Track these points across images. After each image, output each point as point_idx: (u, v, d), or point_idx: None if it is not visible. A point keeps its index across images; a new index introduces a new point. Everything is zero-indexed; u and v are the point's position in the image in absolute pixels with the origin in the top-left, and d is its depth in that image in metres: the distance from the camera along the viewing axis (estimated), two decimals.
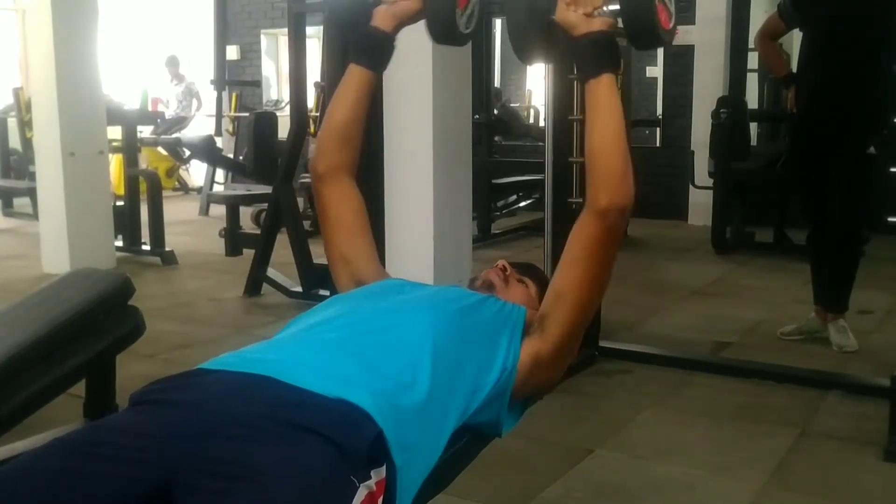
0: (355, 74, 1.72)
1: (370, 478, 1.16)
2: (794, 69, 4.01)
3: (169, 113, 10.11)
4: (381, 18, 1.70)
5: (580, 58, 1.55)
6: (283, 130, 5.49)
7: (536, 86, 10.77)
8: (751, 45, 7.13)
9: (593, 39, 1.49)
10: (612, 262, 1.51)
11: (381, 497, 1.19)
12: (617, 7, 1.51)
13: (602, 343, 3.73)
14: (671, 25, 1.52)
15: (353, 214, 1.76)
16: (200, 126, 10.04)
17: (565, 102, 3.61)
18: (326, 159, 1.74)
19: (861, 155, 3.72)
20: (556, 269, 1.54)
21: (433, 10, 1.66)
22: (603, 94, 1.49)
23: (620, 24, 1.51)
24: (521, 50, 1.61)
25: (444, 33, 1.69)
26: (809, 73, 3.84)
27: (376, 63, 1.73)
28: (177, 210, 8.22)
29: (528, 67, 11.30)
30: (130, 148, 6.50)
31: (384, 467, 1.19)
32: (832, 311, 3.89)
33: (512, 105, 10.49)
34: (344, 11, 1.72)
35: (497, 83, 9.61)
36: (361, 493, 1.13)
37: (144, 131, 8.48)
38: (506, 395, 1.48)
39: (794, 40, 4.53)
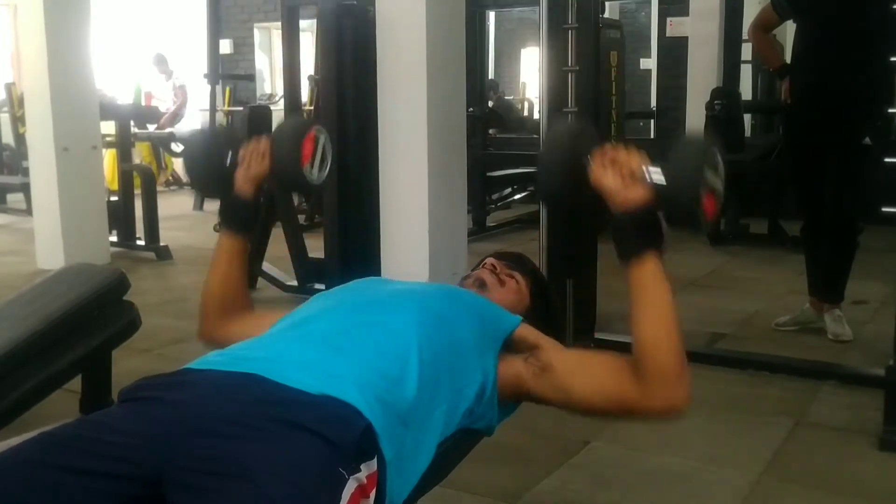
0: (225, 244, 1.74)
1: (360, 471, 1.16)
2: (788, 60, 4.01)
3: (163, 108, 10.07)
4: (241, 183, 1.71)
5: (619, 235, 1.39)
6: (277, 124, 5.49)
7: (531, 78, 10.77)
8: (745, 36, 7.14)
9: (635, 217, 1.36)
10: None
11: (374, 491, 1.19)
12: (659, 173, 1.38)
13: (598, 335, 3.73)
14: (714, 214, 1.39)
15: (259, 329, 1.59)
16: (194, 121, 10.01)
17: (560, 95, 3.61)
18: (210, 326, 1.75)
19: (856, 146, 3.72)
20: (576, 356, 1.48)
21: (279, 172, 1.69)
22: (649, 280, 1.37)
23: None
24: (552, 199, 1.55)
25: (294, 187, 1.77)
26: (803, 65, 3.84)
27: (244, 227, 1.76)
28: (171, 205, 8.20)
29: (522, 60, 11.30)
30: (124, 143, 6.48)
31: (374, 460, 1.19)
32: (828, 301, 3.90)
33: (506, 97, 10.49)
34: (205, 181, 1.77)
35: (491, 76, 9.60)
36: (351, 486, 1.14)
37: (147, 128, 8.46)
38: (494, 396, 1.47)
39: (788, 31, 4.52)
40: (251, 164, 1.70)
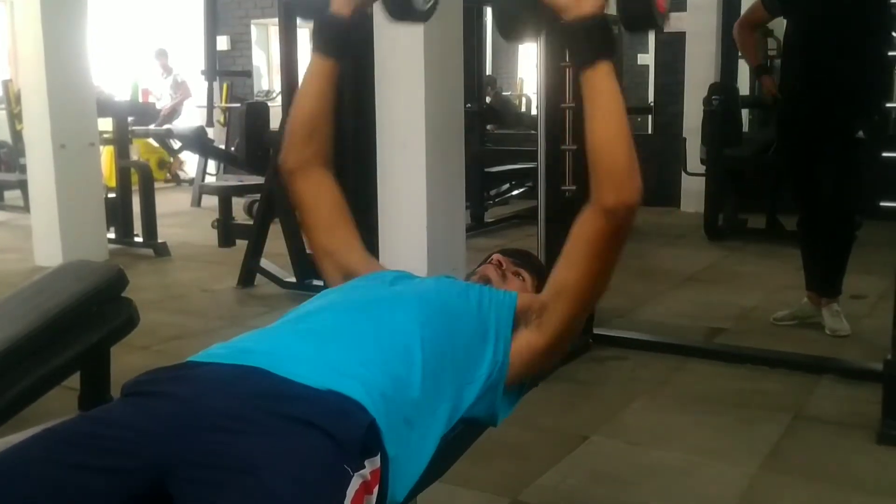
0: (318, 64, 1.68)
1: (364, 467, 1.16)
2: (779, 54, 4.01)
3: (161, 105, 10.07)
4: (338, 3, 1.65)
5: (572, 45, 1.44)
6: (275, 121, 5.48)
7: (528, 74, 10.77)
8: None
9: (586, 25, 1.39)
10: (617, 259, 1.47)
11: (377, 487, 1.19)
12: None
13: (596, 330, 3.74)
14: (667, 8, 1.45)
15: (329, 206, 1.73)
16: (191, 117, 10.00)
17: (557, 90, 3.60)
18: (295, 154, 1.71)
19: (851, 140, 3.72)
20: (558, 263, 1.51)
21: None
22: (601, 83, 1.40)
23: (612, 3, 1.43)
24: (505, 27, 1.55)
25: (400, 10, 1.66)
26: (796, 59, 3.83)
27: (338, 51, 1.69)
28: (169, 201, 8.20)
29: (520, 56, 11.29)
30: (122, 140, 6.47)
31: (378, 457, 1.19)
32: (826, 295, 3.90)
33: (504, 93, 10.49)
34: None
35: (489, 71, 9.60)
36: (356, 483, 1.13)
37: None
38: (499, 386, 1.48)
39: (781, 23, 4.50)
40: None
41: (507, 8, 1.53)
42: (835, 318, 3.85)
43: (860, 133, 3.73)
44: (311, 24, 1.73)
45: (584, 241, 1.45)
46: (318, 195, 1.72)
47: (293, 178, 1.72)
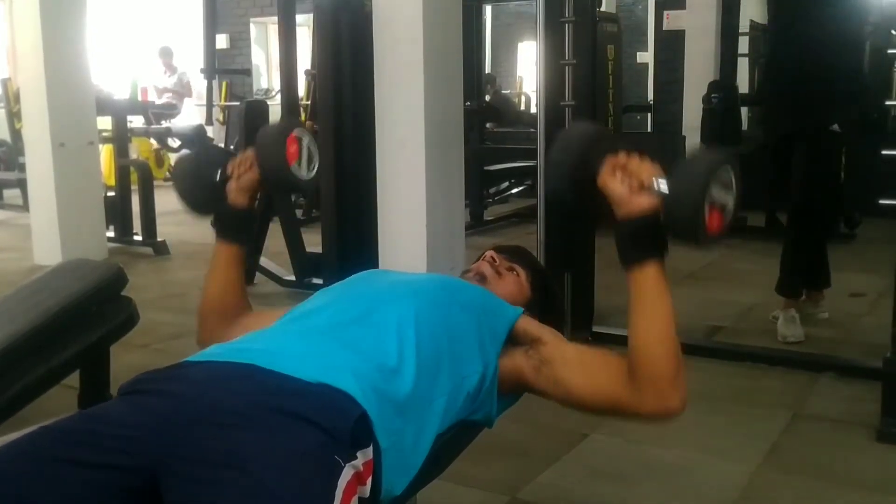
0: (222, 252, 1.75)
1: (356, 458, 1.17)
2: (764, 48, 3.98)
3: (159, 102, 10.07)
4: (234, 195, 1.72)
5: (622, 241, 1.39)
6: (274, 119, 5.48)
7: (528, 72, 10.76)
8: (742, 29, 7.15)
9: (638, 224, 1.36)
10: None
11: (370, 479, 1.20)
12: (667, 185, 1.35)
13: (596, 328, 3.74)
14: (719, 231, 1.37)
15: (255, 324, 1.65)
16: (191, 115, 10.00)
17: (557, 88, 3.60)
18: (210, 333, 1.74)
19: (825, 132, 3.64)
20: (575, 357, 1.46)
21: (268, 176, 1.70)
22: (649, 285, 1.37)
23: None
24: (556, 201, 1.55)
25: (287, 188, 1.87)
26: (778, 52, 3.78)
27: (241, 237, 1.77)
28: (168, 200, 8.13)
29: (519, 54, 11.29)
30: (121, 138, 6.47)
31: (370, 448, 1.20)
32: (784, 294, 3.80)
33: (503, 92, 10.48)
34: (194, 199, 1.78)
35: (488, 70, 9.59)
36: (347, 473, 1.14)
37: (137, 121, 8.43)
38: (493, 396, 1.48)
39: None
40: (241, 175, 1.71)
41: (560, 185, 1.49)
42: (788, 323, 3.72)
43: (835, 126, 3.65)
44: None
45: (606, 405, 1.42)
46: (245, 332, 1.60)
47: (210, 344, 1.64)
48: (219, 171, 1.74)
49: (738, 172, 1.40)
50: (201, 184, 1.75)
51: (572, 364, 1.45)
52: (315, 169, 1.74)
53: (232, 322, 1.72)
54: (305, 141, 1.71)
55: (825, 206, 3.77)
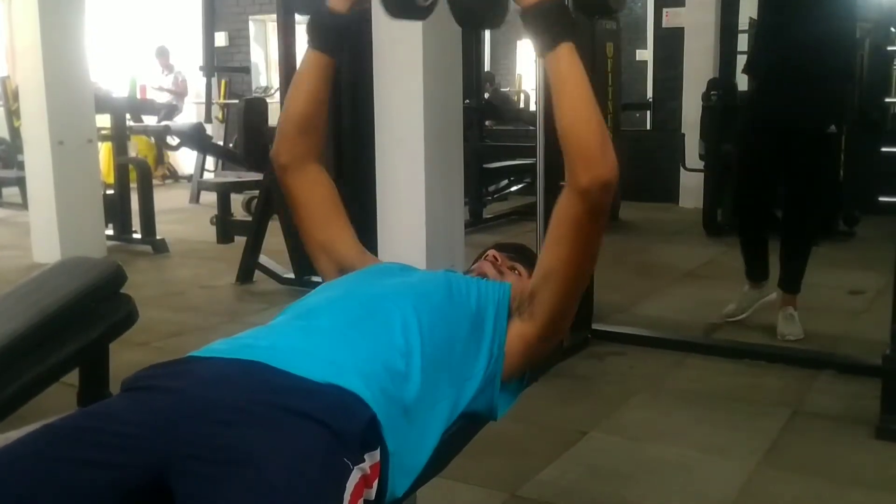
0: (312, 60, 1.66)
1: (364, 461, 1.16)
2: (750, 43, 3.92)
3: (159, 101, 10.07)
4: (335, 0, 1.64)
5: (532, 31, 1.42)
6: (273, 117, 5.47)
7: (527, 70, 10.76)
8: (741, 27, 7.14)
9: (543, 10, 1.38)
10: (599, 238, 1.46)
11: (377, 482, 1.19)
12: None
13: (595, 326, 3.74)
14: None
15: (322, 201, 1.72)
16: (190, 114, 10.00)
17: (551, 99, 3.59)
18: (289, 150, 1.69)
19: (820, 133, 3.61)
20: (542, 248, 1.51)
21: None
22: (564, 65, 1.39)
23: None
24: (462, 16, 1.52)
25: (399, 7, 1.60)
26: (767, 45, 3.72)
27: (333, 47, 1.66)
28: (167, 198, 8.19)
29: (518, 51, 11.28)
30: (120, 136, 6.46)
31: (378, 451, 1.19)
32: (789, 291, 3.79)
33: (502, 89, 10.48)
34: None
35: (487, 67, 9.59)
36: (355, 476, 1.13)
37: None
38: (496, 379, 1.48)
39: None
40: None
41: None
42: (787, 321, 3.72)
43: (832, 127, 3.62)
44: (306, 19, 1.71)
45: (565, 223, 1.44)
46: (312, 189, 1.71)
47: (286, 174, 1.71)
48: None
49: None
50: None
51: (540, 261, 1.51)
52: (430, 3, 1.60)
53: (309, 142, 1.69)
54: None
55: (822, 208, 3.79)
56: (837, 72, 3.67)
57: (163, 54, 10.17)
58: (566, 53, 1.39)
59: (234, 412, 1.15)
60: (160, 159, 10.16)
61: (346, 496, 1.11)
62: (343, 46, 1.68)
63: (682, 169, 7.20)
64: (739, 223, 4.03)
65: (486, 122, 8.10)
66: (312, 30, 1.65)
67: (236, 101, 7.92)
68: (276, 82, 9.10)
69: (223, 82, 9.44)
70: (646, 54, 8.85)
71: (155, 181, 9.40)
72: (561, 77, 1.40)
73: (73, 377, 2.49)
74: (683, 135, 7.15)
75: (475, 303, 1.51)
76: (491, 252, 1.78)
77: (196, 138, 7.19)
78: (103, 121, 6.43)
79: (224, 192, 5.56)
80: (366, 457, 1.16)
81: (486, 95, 8.53)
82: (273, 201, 4.92)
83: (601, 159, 1.37)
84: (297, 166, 1.70)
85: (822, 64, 3.55)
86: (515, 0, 1.41)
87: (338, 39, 1.66)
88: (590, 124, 1.38)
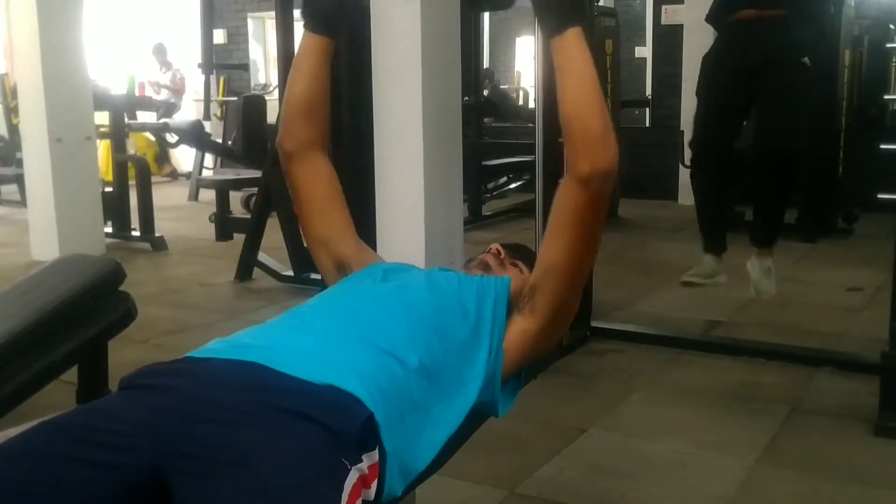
0: (312, 43, 1.63)
1: (362, 461, 1.16)
2: None
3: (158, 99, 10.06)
4: None
5: (541, 13, 1.40)
6: (272, 114, 5.47)
7: (526, 67, 10.74)
8: None
9: None
10: (599, 229, 1.45)
11: (375, 482, 1.19)
12: None
13: (594, 323, 3.74)
14: None
15: (325, 192, 1.70)
16: (188, 111, 9.98)
17: (555, 84, 3.59)
18: (294, 135, 1.66)
19: (796, 64, 3.38)
20: (543, 242, 1.50)
21: None
22: (571, 50, 1.38)
23: None
24: None
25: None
26: None
27: (332, 28, 1.63)
28: (166, 195, 8.19)
29: (517, 49, 11.27)
30: (118, 133, 6.46)
31: (376, 451, 1.19)
32: (763, 244, 3.60)
33: (502, 87, 10.47)
34: None
35: (486, 64, 9.58)
36: (353, 476, 1.13)
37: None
38: (497, 376, 1.47)
39: None
40: None
41: None
42: (766, 275, 3.52)
43: (806, 59, 3.41)
44: (301, 3, 1.67)
45: (565, 213, 1.43)
46: (315, 181, 1.70)
47: (291, 161, 1.68)
48: None
49: None
50: None
51: (541, 255, 1.49)
52: None
53: (314, 126, 1.67)
54: None
55: (798, 141, 3.45)
56: (800, 12, 3.47)
57: (160, 51, 10.16)
58: (574, 38, 1.38)
59: (231, 412, 1.15)
60: (164, 157, 10.15)
61: (344, 497, 1.11)
62: (342, 28, 1.67)
63: (680, 166, 7.20)
64: (694, 164, 3.73)
65: (485, 120, 8.09)
66: (309, 13, 1.63)
67: (235, 98, 7.91)
68: (274, 79, 9.09)
69: (222, 79, 9.42)
70: (645, 51, 8.85)
71: (160, 178, 9.43)
72: (567, 61, 1.38)
73: (72, 375, 2.49)
74: (682, 132, 7.13)
75: (474, 300, 1.51)
76: (494, 246, 1.78)
77: (195, 136, 7.17)
78: (102, 118, 6.43)
79: (223, 189, 5.56)
80: (364, 457, 1.16)
81: (486, 92, 8.53)
82: (272, 198, 4.92)
83: (603, 148, 1.37)
84: (302, 155, 1.67)
85: (786, 4, 3.39)
86: None
87: (336, 20, 1.64)
88: (593, 110, 1.37)
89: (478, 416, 1.52)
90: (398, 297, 1.48)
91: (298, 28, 5.32)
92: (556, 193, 1.45)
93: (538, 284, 1.50)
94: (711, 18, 3.78)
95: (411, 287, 1.54)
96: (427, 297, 1.49)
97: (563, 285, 1.48)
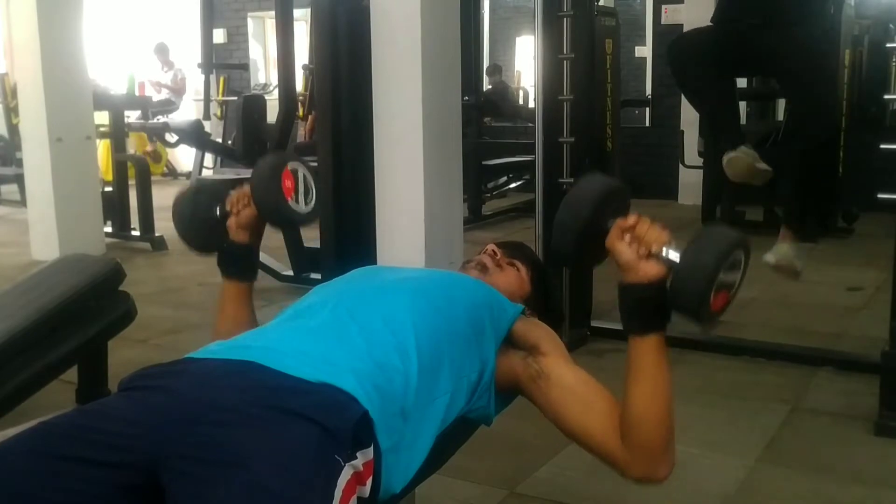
0: (230, 290, 1.72)
1: (356, 458, 1.17)
2: None
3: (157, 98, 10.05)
4: (235, 232, 1.69)
5: (626, 307, 1.36)
6: (272, 114, 5.46)
7: (526, 66, 10.74)
8: None
9: (643, 293, 1.31)
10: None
11: (370, 479, 1.19)
12: (677, 256, 1.29)
13: (594, 323, 3.74)
14: (721, 310, 1.30)
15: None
16: (188, 110, 9.98)
17: (556, 83, 3.60)
18: None
19: (815, 29, 3.20)
20: (572, 382, 1.45)
21: (266, 213, 1.67)
22: (650, 356, 1.33)
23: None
24: (561, 258, 1.46)
25: (286, 222, 1.80)
26: None
27: (245, 274, 1.73)
28: (166, 195, 8.14)
29: (517, 48, 11.27)
30: (118, 133, 6.46)
31: (371, 449, 1.20)
32: (799, 222, 3.49)
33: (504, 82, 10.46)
34: (196, 238, 1.73)
35: (486, 64, 9.58)
36: (347, 473, 1.14)
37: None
38: (491, 393, 1.48)
39: None
40: (240, 211, 1.67)
41: (565, 248, 1.42)
42: (801, 254, 3.36)
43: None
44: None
45: (592, 438, 1.40)
46: None
47: None
48: (217, 208, 1.70)
49: (749, 252, 1.34)
50: (201, 223, 1.70)
51: (568, 391, 1.43)
52: (313, 200, 1.70)
53: None
54: (301, 172, 1.67)
55: (828, 118, 3.31)
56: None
57: (162, 51, 10.16)
58: (655, 344, 1.33)
59: (227, 412, 1.16)
60: (155, 157, 10.14)
61: (338, 493, 1.11)
62: (254, 269, 1.78)
63: (680, 166, 7.20)
64: (675, 69, 3.48)
65: (485, 119, 8.10)
66: (223, 263, 1.72)
67: (235, 97, 7.91)
68: (274, 79, 9.08)
69: (222, 79, 9.41)
70: (645, 51, 8.85)
71: (156, 178, 9.40)
72: (644, 366, 1.33)
73: (71, 374, 2.49)
74: (682, 132, 7.15)
75: (477, 300, 1.51)
76: (490, 246, 1.78)
77: (194, 135, 7.17)
78: (102, 118, 6.42)
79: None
80: (358, 454, 1.17)
81: (489, 87, 8.52)
82: None
83: (663, 462, 1.33)
84: None
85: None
86: (621, 270, 1.34)
87: (248, 266, 1.75)
88: (660, 422, 1.32)
89: (472, 423, 1.52)
90: (399, 292, 1.49)
91: (298, 28, 5.30)
92: (611, 409, 1.40)
93: (541, 384, 1.45)
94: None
95: (412, 283, 1.55)
96: (428, 293, 1.49)
97: (550, 418, 1.45)
